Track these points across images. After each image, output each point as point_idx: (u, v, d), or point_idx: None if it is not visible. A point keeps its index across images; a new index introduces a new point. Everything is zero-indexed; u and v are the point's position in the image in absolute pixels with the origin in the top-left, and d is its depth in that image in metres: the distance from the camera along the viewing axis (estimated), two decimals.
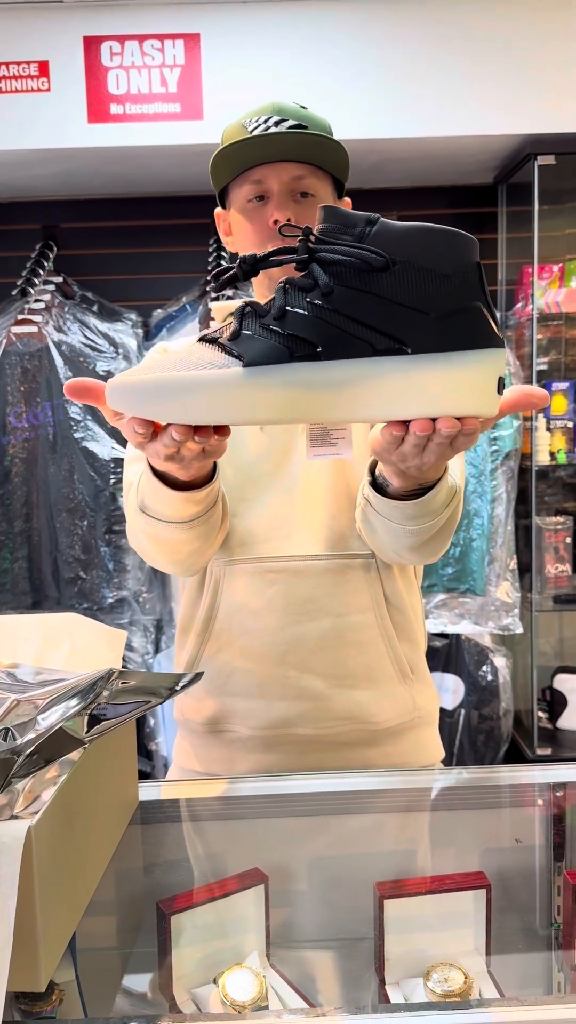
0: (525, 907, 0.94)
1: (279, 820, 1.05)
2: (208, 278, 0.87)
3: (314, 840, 1.01)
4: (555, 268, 2.66)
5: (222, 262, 2.65)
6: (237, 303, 1.26)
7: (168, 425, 0.74)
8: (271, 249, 0.74)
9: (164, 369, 0.71)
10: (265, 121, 1.09)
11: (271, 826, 1.04)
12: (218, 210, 1.19)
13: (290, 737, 1.13)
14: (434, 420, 0.71)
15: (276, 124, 1.08)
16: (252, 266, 0.75)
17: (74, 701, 0.77)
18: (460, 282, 0.69)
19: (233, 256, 2.68)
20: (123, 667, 2.49)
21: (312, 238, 0.71)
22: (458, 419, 0.70)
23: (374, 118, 2.45)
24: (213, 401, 0.69)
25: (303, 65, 2.42)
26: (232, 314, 0.74)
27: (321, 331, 0.69)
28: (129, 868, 0.94)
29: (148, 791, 1.03)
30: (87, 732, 0.75)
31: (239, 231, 1.14)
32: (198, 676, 0.89)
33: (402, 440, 0.75)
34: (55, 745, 0.72)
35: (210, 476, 0.94)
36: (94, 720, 0.76)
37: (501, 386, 0.71)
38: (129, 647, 2.52)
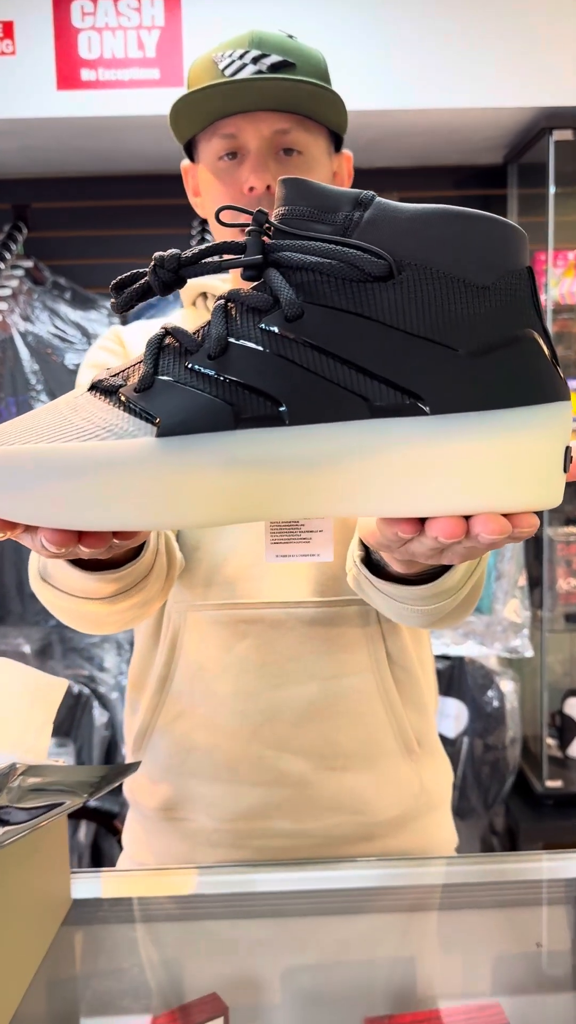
0: None
1: (247, 923, 0.87)
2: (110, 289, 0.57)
3: (289, 951, 0.83)
4: (571, 255, 2.49)
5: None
6: (215, 283, 1.04)
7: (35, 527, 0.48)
8: (203, 247, 0.49)
9: (30, 436, 0.46)
10: (241, 57, 0.88)
11: (234, 933, 0.85)
12: (185, 163, 0.99)
13: (265, 831, 0.93)
14: (467, 517, 0.47)
15: (254, 61, 0.88)
16: (174, 272, 0.49)
17: None
18: (504, 298, 0.46)
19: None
20: (91, 692, 2.25)
21: (268, 229, 0.48)
22: (505, 515, 0.47)
23: (371, 88, 2.26)
24: (106, 492, 0.45)
25: (293, 28, 2.20)
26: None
27: (285, 377, 0.45)
28: (60, 979, 0.79)
29: (84, 886, 0.87)
30: None
31: (209, 193, 0.93)
32: (132, 767, 0.72)
33: (411, 540, 0.51)
34: None
35: (136, 549, 0.71)
36: None
37: (568, 459, 0.48)
38: (101, 667, 2.32)
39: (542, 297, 2.43)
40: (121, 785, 2.36)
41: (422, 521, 0.49)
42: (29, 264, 2.48)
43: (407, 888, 0.90)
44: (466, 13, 2.26)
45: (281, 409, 0.45)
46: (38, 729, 0.83)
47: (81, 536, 0.48)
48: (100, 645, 2.36)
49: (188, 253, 0.49)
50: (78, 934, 0.84)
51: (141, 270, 0.51)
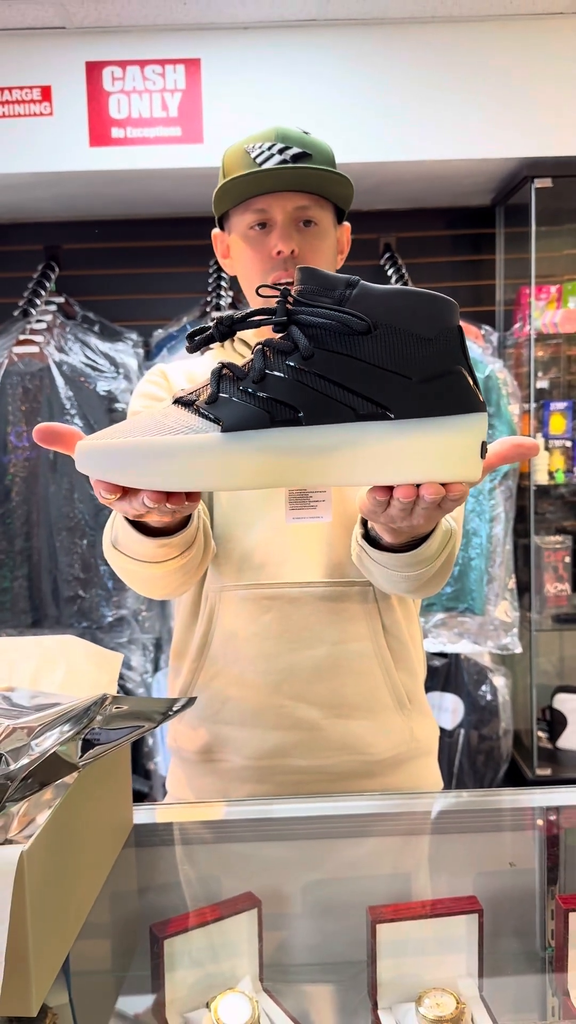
0: (519, 931, 0.93)
1: (272, 844, 1.04)
2: (186, 340, 0.83)
3: (307, 864, 1.01)
4: (552, 289, 2.67)
5: (222, 283, 2.67)
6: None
7: (136, 491, 0.70)
8: (249, 311, 0.73)
9: (137, 432, 0.69)
10: (268, 148, 1.08)
11: (265, 850, 1.03)
12: (216, 231, 1.19)
13: (284, 768, 1.12)
14: (418, 486, 0.70)
15: (280, 152, 1.08)
16: (229, 327, 0.72)
17: (68, 726, 0.78)
18: (441, 346, 0.68)
19: (233, 280, 2.70)
20: (120, 688, 2.47)
21: (290, 299, 0.70)
22: (443, 485, 0.69)
23: (372, 142, 2.47)
24: (190, 467, 0.67)
25: (302, 89, 2.45)
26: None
27: (302, 395, 0.67)
28: (123, 891, 0.94)
29: (143, 814, 1.03)
30: (81, 757, 0.75)
31: (240, 257, 1.13)
32: (191, 701, 0.89)
33: (388, 503, 0.74)
34: (49, 769, 0.72)
35: (185, 520, 0.92)
36: (88, 745, 0.77)
37: (484, 450, 0.71)
38: (128, 666, 2.51)
39: (526, 327, 2.62)
40: (149, 771, 2.53)
41: (391, 490, 0.72)
42: (61, 300, 2.69)
43: (402, 815, 1.06)
44: (457, 76, 2.47)
45: (300, 415, 0.67)
46: (105, 688, 1.02)
47: (168, 496, 0.70)
48: (127, 646, 2.55)
49: (239, 315, 0.73)
50: (138, 853, 0.99)
51: (207, 325, 0.75)
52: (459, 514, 1.11)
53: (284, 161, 1.07)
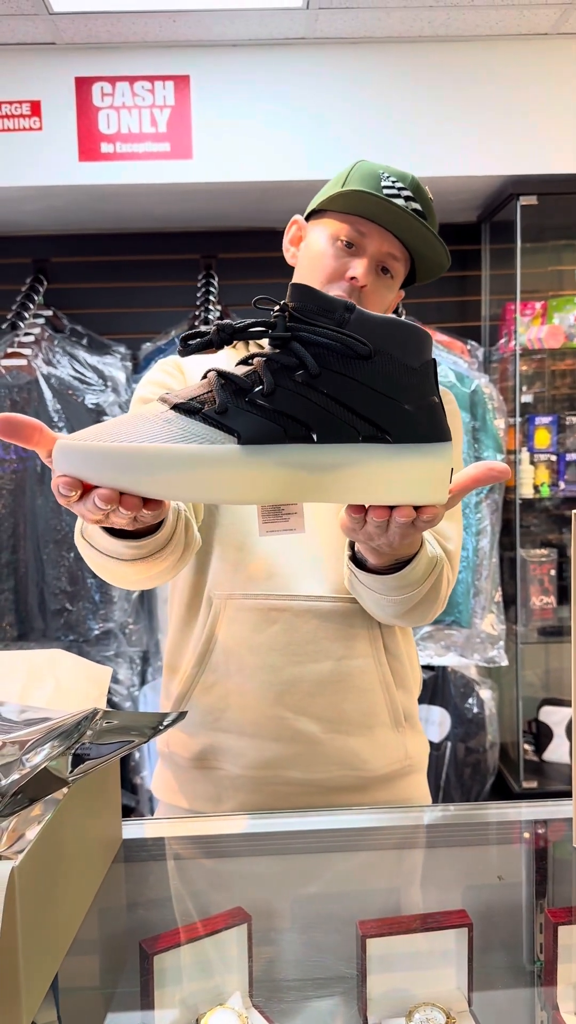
0: (508, 945, 0.93)
1: (262, 859, 1.04)
2: (179, 341, 0.80)
3: (297, 879, 1.00)
4: (537, 305, 2.69)
5: (210, 296, 2.69)
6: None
7: (94, 489, 0.66)
8: (249, 321, 0.72)
9: (132, 437, 0.67)
10: (400, 189, 1.09)
11: (254, 865, 1.03)
12: (299, 217, 1.19)
13: (280, 779, 1.12)
14: (392, 508, 0.72)
15: (406, 199, 1.09)
16: (229, 336, 0.72)
17: (58, 741, 0.78)
18: (423, 376, 0.71)
19: (221, 293, 2.69)
20: (108, 702, 2.46)
21: (287, 315, 0.70)
22: (417, 507, 0.72)
23: (360, 158, 2.48)
24: (207, 478, 0.66)
25: (290, 106, 2.47)
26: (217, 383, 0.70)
27: (312, 413, 0.68)
28: (113, 907, 0.94)
29: (132, 829, 1.03)
30: (71, 772, 0.75)
31: (312, 256, 1.12)
32: (181, 716, 0.89)
33: (364, 521, 0.77)
34: (39, 785, 0.72)
35: (157, 525, 0.88)
36: (78, 759, 0.77)
37: (451, 476, 0.74)
38: (115, 679, 2.51)
39: (511, 343, 2.65)
40: (136, 786, 2.52)
41: (365, 512, 0.75)
42: (49, 313, 2.70)
43: (391, 829, 1.07)
44: (444, 95, 2.50)
45: (312, 433, 0.68)
46: (94, 702, 1.02)
47: (121, 499, 0.66)
48: (114, 659, 2.54)
49: (239, 324, 0.73)
50: (127, 868, 0.98)
51: (205, 329, 0.74)
52: (456, 544, 1.11)
53: (406, 208, 1.08)
